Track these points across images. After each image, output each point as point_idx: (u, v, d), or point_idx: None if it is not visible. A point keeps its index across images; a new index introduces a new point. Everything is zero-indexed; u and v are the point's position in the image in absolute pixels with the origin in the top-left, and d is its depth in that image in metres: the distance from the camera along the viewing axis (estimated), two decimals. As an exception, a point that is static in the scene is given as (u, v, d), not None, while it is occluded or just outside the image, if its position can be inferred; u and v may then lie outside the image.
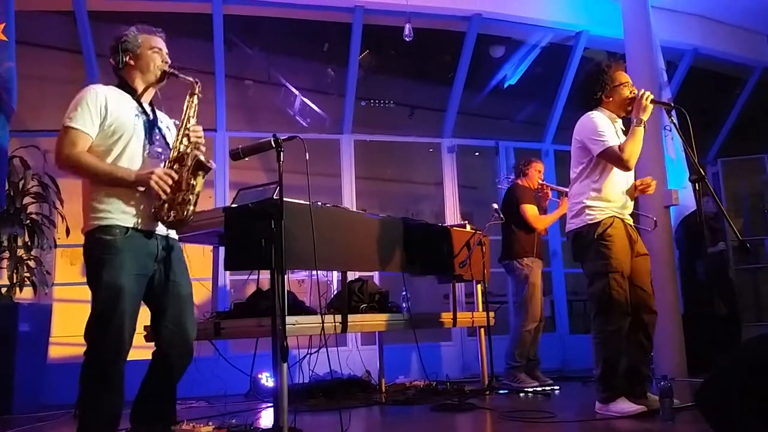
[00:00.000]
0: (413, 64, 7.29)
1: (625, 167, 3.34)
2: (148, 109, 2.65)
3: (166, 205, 2.47)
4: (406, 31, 5.48)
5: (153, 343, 2.62)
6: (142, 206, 2.49)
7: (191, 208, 2.54)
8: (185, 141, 2.57)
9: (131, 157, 2.51)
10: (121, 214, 2.45)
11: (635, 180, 3.56)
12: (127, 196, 2.47)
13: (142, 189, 2.46)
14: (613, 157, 3.32)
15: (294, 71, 7.19)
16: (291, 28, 6.42)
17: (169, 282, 2.56)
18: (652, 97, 3.38)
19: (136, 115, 2.57)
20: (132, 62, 2.62)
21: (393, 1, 5.91)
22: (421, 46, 6.19)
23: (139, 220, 2.48)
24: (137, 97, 2.62)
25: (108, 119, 2.48)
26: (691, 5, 6.85)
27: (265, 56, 6.99)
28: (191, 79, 2.66)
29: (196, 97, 2.66)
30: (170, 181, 2.46)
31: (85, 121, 2.44)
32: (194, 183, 2.55)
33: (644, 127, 3.35)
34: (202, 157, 2.56)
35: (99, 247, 2.41)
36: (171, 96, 2.81)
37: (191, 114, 2.62)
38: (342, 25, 6.17)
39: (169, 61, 2.68)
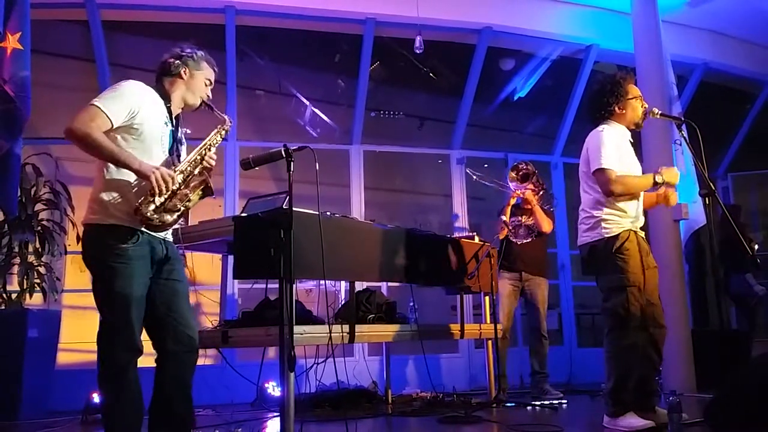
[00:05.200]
0: (423, 76, 7.30)
1: (608, 193, 3.32)
2: (174, 121, 2.68)
3: (152, 205, 2.43)
4: (417, 44, 5.51)
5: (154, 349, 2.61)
6: (134, 201, 2.47)
7: (176, 216, 2.52)
8: (199, 159, 2.61)
9: (148, 161, 2.50)
10: (130, 216, 2.43)
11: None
12: (136, 197, 2.45)
13: (137, 180, 2.44)
14: (602, 180, 3.31)
15: (305, 82, 7.23)
16: (302, 40, 6.46)
17: (171, 281, 2.58)
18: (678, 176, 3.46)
19: (165, 123, 2.60)
20: (185, 77, 2.67)
21: (404, 13, 5.95)
22: (431, 58, 6.23)
23: (129, 215, 2.45)
24: (169, 106, 2.64)
25: (138, 118, 2.48)
26: (702, 20, 6.85)
27: (276, 67, 7.03)
28: (225, 117, 2.74)
29: (224, 132, 2.73)
30: (170, 184, 2.45)
31: (112, 106, 2.43)
32: (191, 197, 2.56)
33: (656, 186, 3.40)
34: (209, 182, 2.60)
35: (111, 254, 2.41)
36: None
37: (214, 143, 2.69)
38: (353, 37, 6.21)
39: (211, 96, 2.77)
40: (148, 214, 2.43)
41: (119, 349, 2.40)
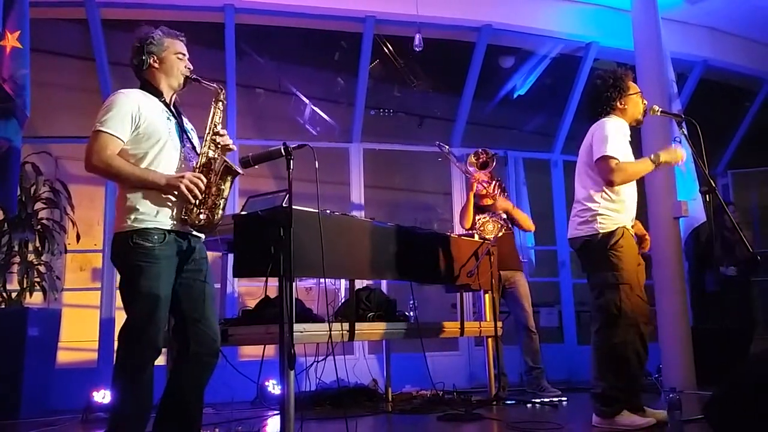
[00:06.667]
0: (423, 74, 7.30)
1: (609, 182, 3.29)
2: (175, 111, 2.66)
3: (195, 209, 2.49)
4: (417, 41, 5.50)
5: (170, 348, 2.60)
6: (177, 208, 2.49)
7: (220, 212, 2.57)
8: (213, 146, 2.59)
9: (167, 162, 2.52)
10: (159, 216, 2.46)
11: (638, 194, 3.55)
12: (164, 198, 2.47)
13: (175, 193, 2.46)
14: (605, 168, 3.27)
15: (304, 80, 7.22)
16: (302, 38, 6.46)
17: (198, 282, 2.57)
18: (684, 157, 3.45)
19: (168, 118, 2.57)
20: (156, 65, 2.61)
21: (404, 11, 5.94)
22: (431, 56, 6.22)
23: (176, 222, 2.49)
24: (163, 99, 2.62)
25: (142, 124, 2.47)
26: (702, 17, 6.84)
27: (275, 65, 7.02)
28: (214, 85, 2.67)
29: (221, 103, 2.68)
30: (201, 185, 2.47)
31: (116, 125, 2.43)
32: (223, 187, 2.57)
33: (656, 165, 3.39)
34: (230, 162, 2.58)
35: (136, 253, 2.41)
36: (182, 103, 2.82)
37: (217, 120, 2.64)
38: (352, 35, 6.21)
39: (191, 67, 2.70)
40: (198, 221, 2.49)
41: (141, 347, 2.39)
